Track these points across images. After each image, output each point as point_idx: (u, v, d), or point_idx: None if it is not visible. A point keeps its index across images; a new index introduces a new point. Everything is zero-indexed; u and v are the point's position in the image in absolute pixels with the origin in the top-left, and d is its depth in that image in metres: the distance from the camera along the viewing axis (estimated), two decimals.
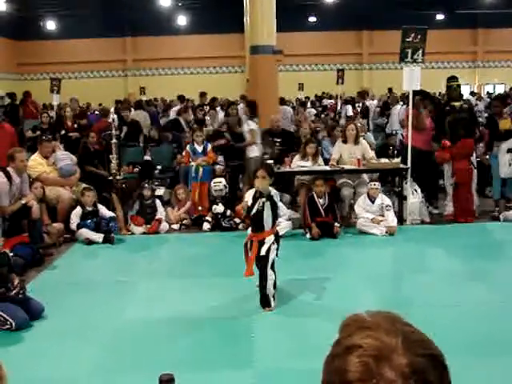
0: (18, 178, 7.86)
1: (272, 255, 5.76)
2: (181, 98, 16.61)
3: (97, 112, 18.30)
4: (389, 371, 0.96)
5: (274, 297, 5.77)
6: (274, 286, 5.78)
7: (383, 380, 0.95)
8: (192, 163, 10.04)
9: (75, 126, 13.08)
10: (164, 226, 9.18)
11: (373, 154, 9.67)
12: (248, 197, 5.90)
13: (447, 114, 9.68)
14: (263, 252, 5.70)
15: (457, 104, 9.65)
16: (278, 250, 5.87)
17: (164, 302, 6.15)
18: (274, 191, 5.87)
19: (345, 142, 9.47)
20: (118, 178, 9.94)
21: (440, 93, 25.18)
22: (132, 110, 15.54)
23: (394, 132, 13.06)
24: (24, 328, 5.40)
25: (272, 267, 5.77)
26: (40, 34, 30.55)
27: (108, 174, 10.29)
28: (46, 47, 30.76)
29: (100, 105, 22.15)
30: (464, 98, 10.60)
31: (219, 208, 9.16)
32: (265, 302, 5.72)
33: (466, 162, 9.23)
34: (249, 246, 5.87)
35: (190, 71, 33.31)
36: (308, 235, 8.44)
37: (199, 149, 10.18)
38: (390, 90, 24.11)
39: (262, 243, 5.74)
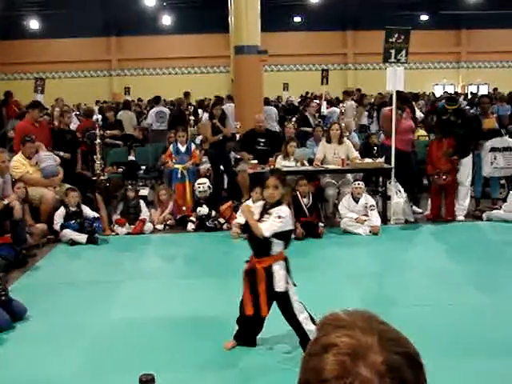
0: (0, 178, 7.81)
1: (291, 290, 4.65)
2: (155, 100, 16.45)
3: (76, 112, 18.25)
4: (364, 369, 0.96)
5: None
6: (313, 321, 4.58)
7: (359, 378, 0.96)
8: (176, 166, 9.97)
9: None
10: (148, 226, 9.15)
11: (357, 154, 9.70)
12: (248, 211, 4.66)
13: (445, 123, 9.55)
14: (280, 287, 4.57)
15: (452, 118, 9.51)
16: (291, 277, 4.71)
17: (148, 303, 6.14)
18: (284, 208, 4.63)
19: (329, 141, 9.50)
20: (101, 178, 9.91)
21: (424, 93, 25.37)
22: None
23: (376, 131, 13.12)
24: (6, 330, 5.36)
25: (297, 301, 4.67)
26: (24, 33, 30.36)
27: (92, 174, 10.27)
28: (30, 47, 30.55)
29: (85, 105, 22.03)
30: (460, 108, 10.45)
31: (204, 210, 9.14)
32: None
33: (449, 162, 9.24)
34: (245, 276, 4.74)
35: (174, 71, 33.25)
36: (292, 235, 8.44)
37: (182, 148, 10.15)
38: (358, 90, 24.18)
39: (269, 272, 4.59)
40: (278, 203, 4.60)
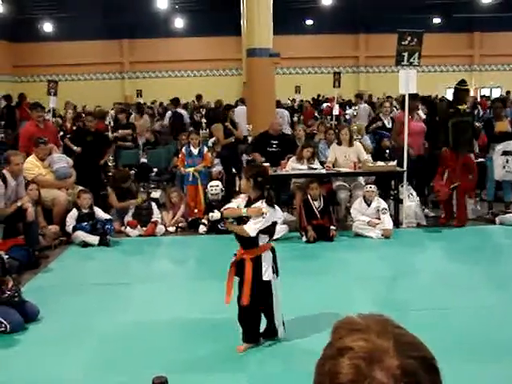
0: (14, 180, 7.85)
1: (274, 281, 4.88)
2: (174, 102, 16.57)
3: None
4: (380, 373, 0.96)
5: (283, 323, 5.06)
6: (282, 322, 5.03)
7: (375, 382, 0.96)
8: (188, 170, 10.00)
9: (74, 128, 13.14)
10: (160, 228, 9.17)
11: (367, 156, 9.70)
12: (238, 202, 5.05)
13: (451, 116, 9.62)
14: (267, 277, 4.81)
15: (461, 107, 9.60)
16: (276, 268, 4.96)
17: (159, 305, 6.15)
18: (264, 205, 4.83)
19: (339, 144, 9.53)
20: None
21: (437, 96, 25.27)
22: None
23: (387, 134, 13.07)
24: (19, 330, 5.40)
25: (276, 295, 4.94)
26: (37, 36, 30.49)
27: (105, 176, 10.35)
28: (43, 49, 30.69)
29: (99, 106, 22.08)
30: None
31: (216, 215, 9.09)
32: (271, 333, 5.04)
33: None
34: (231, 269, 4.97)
35: (186, 74, 33.29)
36: (304, 238, 8.44)
37: (195, 151, 10.17)
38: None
39: (257, 262, 4.82)
40: (260, 198, 4.83)
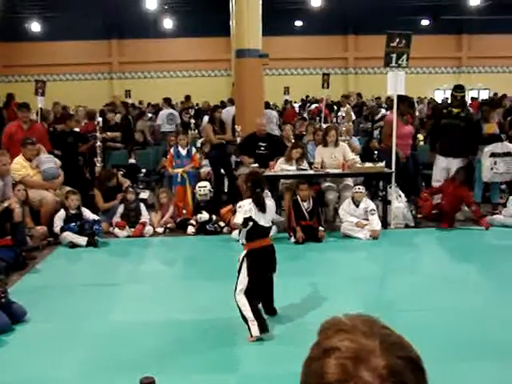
0: (1, 181, 7.81)
1: (241, 275, 5.19)
2: (167, 101, 16.60)
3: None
4: (366, 373, 0.96)
5: (260, 324, 5.05)
6: (255, 313, 5.10)
7: (361, 382, 0.96)
8: (176, 170, 9.99)
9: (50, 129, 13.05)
10: (148, 229, 9.14)
11: (353, 156, 9.75)
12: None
13: (443, 117, 9.73)
14: (237, 266, 5.30)
15: (455, 110, 9.68)
16: (248, 270, 5.19)
17: (148, 305, 6.13)
18: (243, 202, 5.49)
19: (325, 145, 9.55)
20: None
21: (425, 97, 25.39)
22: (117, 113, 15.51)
23: (376, 136, 13.13)
24: (6, 332, 5.36)
25: (246, 292, 5.13)
26: (25, 35, 30.37)
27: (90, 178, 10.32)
28: (31, 49, 30.59)
29: (81, 106, 21.94)
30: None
31: (204, 216, 9.11)
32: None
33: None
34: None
35: (175, 74, 33.27)
36: (292, 239, 8.45)
37: (183, 152, 10.16)
38: (358, 94, 24.21)
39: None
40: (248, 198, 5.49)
